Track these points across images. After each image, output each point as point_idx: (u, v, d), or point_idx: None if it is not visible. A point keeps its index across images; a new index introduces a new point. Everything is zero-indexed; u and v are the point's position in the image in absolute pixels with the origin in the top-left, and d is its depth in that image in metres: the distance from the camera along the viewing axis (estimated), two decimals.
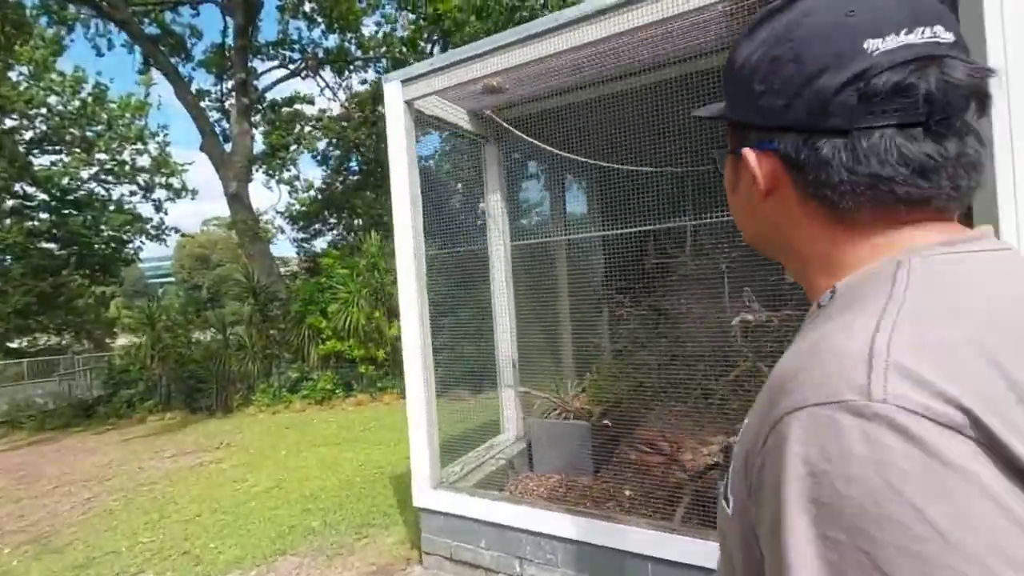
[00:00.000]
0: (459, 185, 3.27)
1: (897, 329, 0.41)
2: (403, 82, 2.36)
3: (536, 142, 2.56)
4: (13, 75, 16.93)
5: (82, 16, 16.51)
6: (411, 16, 15.45)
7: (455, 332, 3.06)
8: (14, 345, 21.44)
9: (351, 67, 18.23)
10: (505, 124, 2.68)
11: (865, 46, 0.46)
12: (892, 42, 0.46)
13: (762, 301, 2.54)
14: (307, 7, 16.82)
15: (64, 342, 22.73)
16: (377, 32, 17.14)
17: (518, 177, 3.23)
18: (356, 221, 17.61)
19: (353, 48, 17.67)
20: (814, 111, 0.49)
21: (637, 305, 2.70)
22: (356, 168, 17.93)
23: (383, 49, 16.68)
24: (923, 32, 0.46)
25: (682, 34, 2.41)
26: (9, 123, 18.18)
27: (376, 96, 16.70)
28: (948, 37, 0.47)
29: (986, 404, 0.35)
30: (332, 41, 17.75)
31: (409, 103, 2.41)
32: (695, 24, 2.17)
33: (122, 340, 19.63)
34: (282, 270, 17.25)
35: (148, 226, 21.98)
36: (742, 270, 2.40)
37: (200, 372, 11.59)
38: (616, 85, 2.68)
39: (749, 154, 0.56)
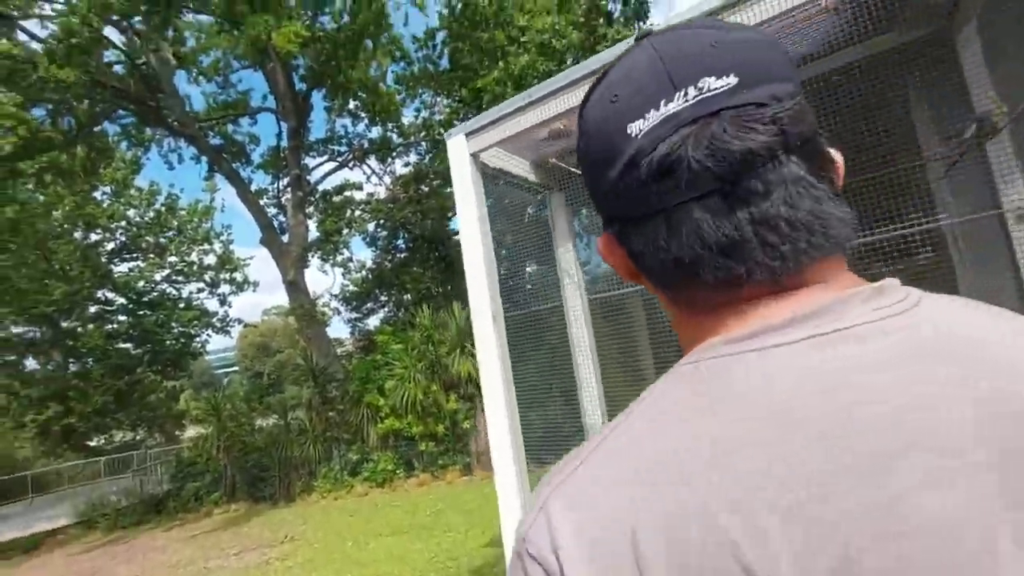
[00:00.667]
0: (525, 241, 3.08)
1: (581, 468, 0.43)
2: (467, 135, 2.24)
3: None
4: (97, 194, 18.87)
5: (157, 136, 18.41)
6: (446, 101, 16.37)
7: (534, 401, 2.76)
8: (93, 443, 22.45)
9: (394, 153, 19.31)
10: (572, 169, 2.49)
11: (629, 131, 0.43)
12: (653, 119, 0.42)
13: None
14: (351, 105, 18.17)
15: (138, 437, 23.62)
16: (416, 118, 18.21)
17: (588, 226, 3.03)
18: (405, 296, 17.92)
19: (395, 137, 18.78)
20: (614, 203, 0.48)
21: None
22: (403, 245, 18.49)
23: (423, 133, 17.61)
24: (684, 94, 0.41)
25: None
26: (94, 237, 20.10)
27: (418, 176, 17.45)
28: (722, 84, 0.41)
29: (587, 558, 0.38)
30: (375, 132, 18.97)
31: (475, 155, 2.26)
32: (786, 28, 1.95)
33: (190, 431, 20.19)
34: (338, 351, 17.53)
35: (214, 319, 23.20)
36: None
37: (263, 460, 11.56)
38: None
39: (599, 240, 0.54)
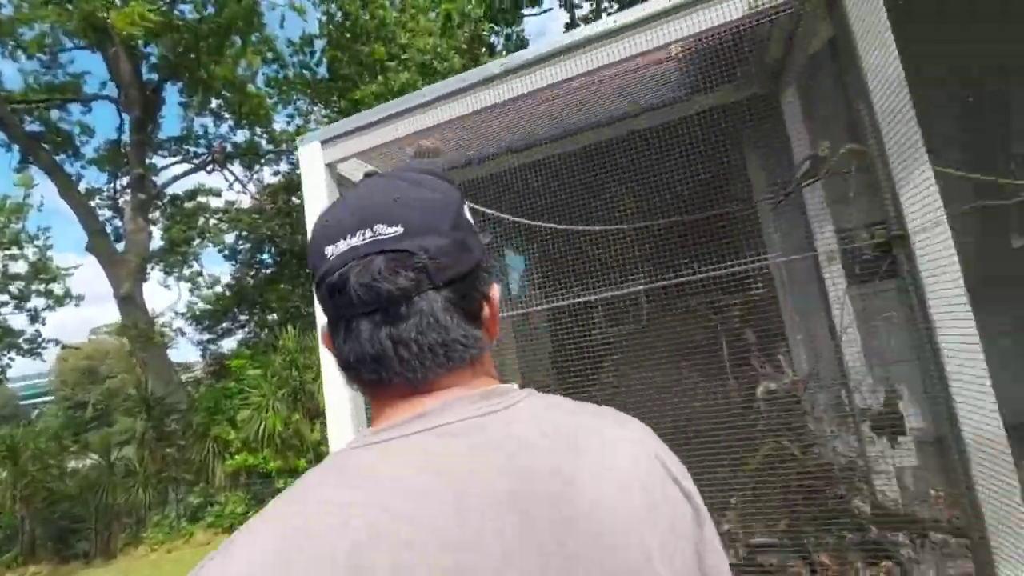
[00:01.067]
0: None
1: (241, 534, 0.49)
2: (323, 143, 2.03)
3: (479, 207, 2.28)
4: None
5: None
6: (323, 110, 15.55)
7: None
8: None
9: (262, 160, 17.80)
10: None
11: (327, 251, 0.55)
12: (342, 246, 0.54)
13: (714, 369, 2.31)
14: (214, 104, 16.47)
15: None
16: (289, 124, 17.04)
17: None
18: (271, 316, 16.41)
19: (264, 142, 17.35)
20: (320, 305, 0.58)
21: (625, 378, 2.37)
22: (269, 260, 17.00)
23: (295, 141, 16.48)
24: (364, 233, 0.53)
25: (615, 94, 2.30)
26: None
27: (289, 186, 16.26)
28: (391, 231, 0.53)
29: None
30: (241, 136, 17.38)
31: (331, 166, 2.06)
32: (635, 79, 2.05)
33: None
34: (184, 377, 15.46)
35: (20, 340, 19.12)
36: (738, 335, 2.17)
37: (75, 509, 9.61)
38: (557, 147, 2.52)
39: (321, 332, 0.63)
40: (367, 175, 0.62)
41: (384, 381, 0.54)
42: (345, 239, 0.53)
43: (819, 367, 1.86)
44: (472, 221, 0.61)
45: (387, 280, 0.51)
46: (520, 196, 2.42)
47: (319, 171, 2.01)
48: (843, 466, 1.61)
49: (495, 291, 0.61)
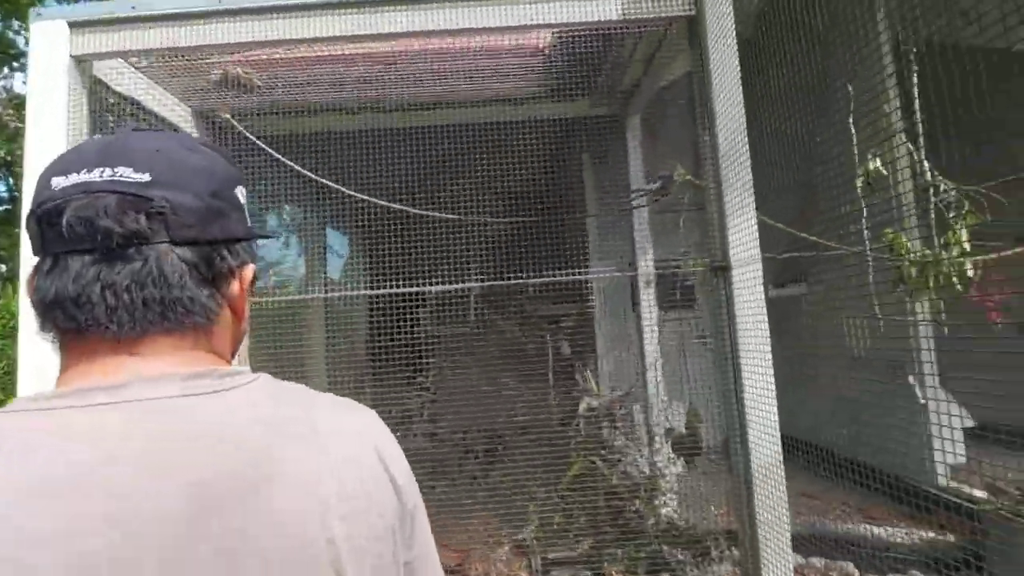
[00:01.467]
0: None
1: None
2: (73, 25, 1.42)
3: (296, 166, 1.89)
4: None
5: None
6: None
7: None
8: None
9: (14, 64, 13.69)
10: (248, 134, 1.93)
11: (52, 183, 0.49)
12: (73, 179, 0.48)
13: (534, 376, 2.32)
14: None
15: None
16: None
17: (262, 213, 2.42)
18: None
19: (21, 41, 13.38)
20: (30, 239, 0.52)
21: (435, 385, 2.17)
22: (5, 194, 13.06)
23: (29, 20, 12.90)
24: (104, 172, 0.48)
25: (476, 74, 2.15)
26: None
27: None
28: (136, 176, 0.49)
29: None
30: None
31: (80, 60, 1.45)
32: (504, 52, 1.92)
33: None
34: None
35: None
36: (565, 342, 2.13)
37: None
38: (403, 119, 2.27)
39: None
40: (137, 129, 0.55)
41: (82, 328, 0.48)
42: (79, 173, 0.48)
43: (633, 387, 1.94)
44: (245, 206, 0.58)
45: (112, 218, 0.46)
46: (345, 164, 2.10)
47: (60, 63, 1.39)
48: (646, 485, 1.68)
49: (249, 271, 0.58)
